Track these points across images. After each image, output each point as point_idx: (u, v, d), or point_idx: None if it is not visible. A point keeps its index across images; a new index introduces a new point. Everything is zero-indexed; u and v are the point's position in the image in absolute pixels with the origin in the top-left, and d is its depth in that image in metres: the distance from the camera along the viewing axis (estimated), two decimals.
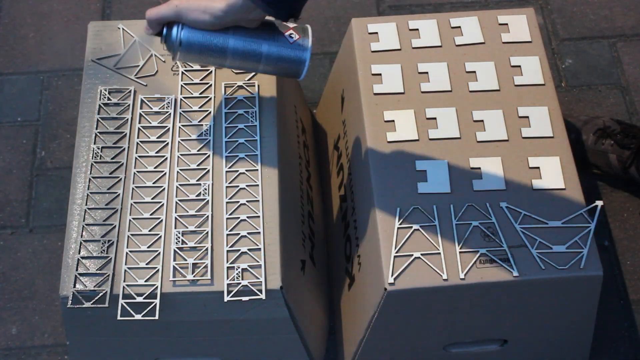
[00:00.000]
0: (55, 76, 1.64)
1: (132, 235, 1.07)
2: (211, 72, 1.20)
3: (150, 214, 1.09)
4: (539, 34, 1.27)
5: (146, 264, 1.05)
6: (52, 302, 1.39)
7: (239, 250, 1.06)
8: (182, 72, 1.20)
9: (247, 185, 1.11)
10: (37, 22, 1.71)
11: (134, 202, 1.10)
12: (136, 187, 1.11)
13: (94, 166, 1.12)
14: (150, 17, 1.01)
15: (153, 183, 1.11)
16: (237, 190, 1.10)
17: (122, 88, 1.18)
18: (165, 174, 1.12)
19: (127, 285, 1.04)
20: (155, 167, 1.12)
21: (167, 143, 1.14)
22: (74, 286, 1.04)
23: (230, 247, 1.06)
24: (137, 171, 1.12)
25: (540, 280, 1.06)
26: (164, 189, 1.11)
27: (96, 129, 1.15)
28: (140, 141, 1.14)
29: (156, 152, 1.14)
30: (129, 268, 1.05)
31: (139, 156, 1.13)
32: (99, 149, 1.14)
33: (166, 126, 1.16)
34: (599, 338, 1.29)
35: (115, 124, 1.16)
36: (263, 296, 1.03)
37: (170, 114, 1.16)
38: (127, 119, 1.16)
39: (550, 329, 1.18)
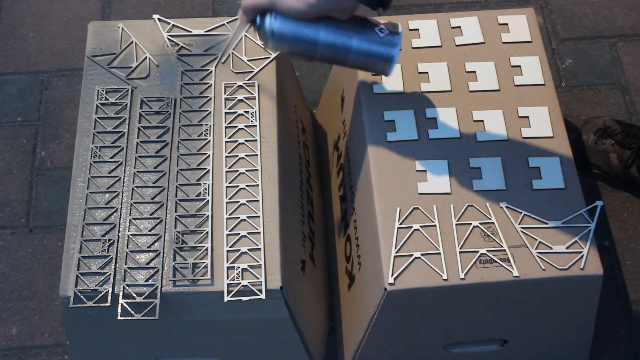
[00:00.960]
0: (55, 76, 1.64)
1: (132, 235, 1.07)
2: (211, 72, 1.20)
3: (151, 214, 1.09)
4: (539, 34, 1.27)
5: (146, 264, 1.05)
6: (52, 302, 1.39)
7: (239, 250, 1.06)
8: (182, 72, 1.20)
9: (247, 185, 1.11)
10: (37, 22, 1.71)
11: (134, 202, 1.10)
12: (136, 187, 1.11)
13: (93, 166, 1.12)
14: (246, 5, 1.01)
15: (153, 183, 1.11)
16: (237, 190, 1.10)
17: (119, 87, 1.18)
18: (165, 173, 1.12)
19: (127, 285, 1.04)
20: (155, 167, 1.12)
21: (167, 143, 1.14)
22: (76, 286, 1.04)
23: (230, 247, 1.06)
24: (137, 171, 1.12)
25: (540, 280, 1.06)
26: (164, 188, 1.11)
27: (94, 128, 1.15)
28: (140, 141, 1.14)
29: (156, 152, 1.14)
30: (129, 268, 1.05)
31: (139, 156, 1.13)
32: (97, 148, 1.14)
33: (166, 126, 1.16)
34: (599, 338, 1.29)
35: (113, 123, 1.16)
36: (263, 296, 1.03)
37: (170, 114, 1.16)
38: (125, 118, 1.16)
39: (550, 329, 1.18)
